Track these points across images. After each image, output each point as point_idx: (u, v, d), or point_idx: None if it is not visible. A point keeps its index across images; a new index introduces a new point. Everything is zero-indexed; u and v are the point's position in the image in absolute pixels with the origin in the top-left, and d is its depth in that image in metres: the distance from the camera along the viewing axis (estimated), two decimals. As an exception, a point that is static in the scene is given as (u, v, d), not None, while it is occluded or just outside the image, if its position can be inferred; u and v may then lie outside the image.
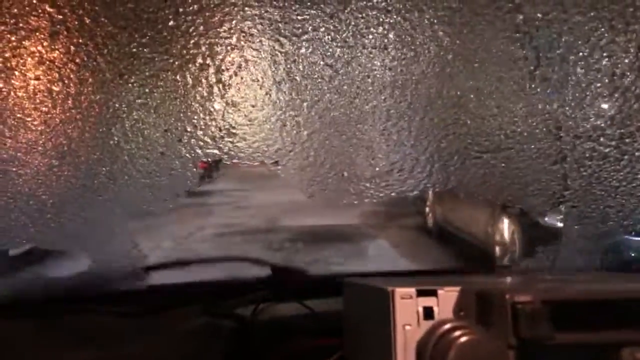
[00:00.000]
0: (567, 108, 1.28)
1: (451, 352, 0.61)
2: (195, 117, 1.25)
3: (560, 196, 1.34)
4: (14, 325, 1.22)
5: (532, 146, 1.31)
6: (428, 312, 0.70)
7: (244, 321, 1.13)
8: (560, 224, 1.40)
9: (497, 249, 4.56)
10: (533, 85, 1.24)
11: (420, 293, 0.71)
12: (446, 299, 0.71)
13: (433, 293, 0.71)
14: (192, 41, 1.18)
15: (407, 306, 0.71)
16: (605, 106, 1.28)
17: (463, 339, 0.62)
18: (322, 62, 1.23)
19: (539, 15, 1.18)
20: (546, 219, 1.46)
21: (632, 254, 1.83)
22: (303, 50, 1.22)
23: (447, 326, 0.65)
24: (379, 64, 1.23)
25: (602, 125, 1.29)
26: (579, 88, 1.25)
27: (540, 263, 1.46)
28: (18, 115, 1.20)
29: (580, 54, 1.21)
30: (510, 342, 0.63)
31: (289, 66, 1.22)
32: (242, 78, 1.22)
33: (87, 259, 1.35)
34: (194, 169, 1.29)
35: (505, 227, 4.41)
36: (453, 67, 1.24)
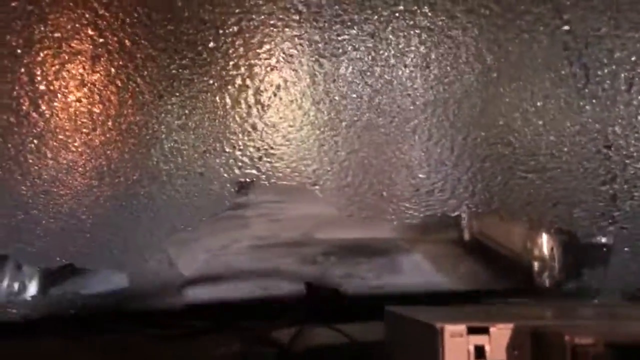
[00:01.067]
0: (617, 127, 1.23)
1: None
2: (234, 138, 1.24)
3: (609, 217, 1.28)
4: (49, 341, 1.23)
5: (580, 166, 1.26)
6: (479, 352, 0.67)
7: (282, 348, 1.11)
8: (608, 246, 1.35)
9: (536, 264, 4.44)
10: (581, 103, 1.20)
11: (471, 331, 0.67)
12: (499, 337, 0.67)
13: (485, 331, 0.67)
14: (231, 62, 1.17)
15: (457, 345, 0.67)
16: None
17: (520, 385, 0.58)
18: (362, 82, 1.21)
19: (589, 31, 1.14)
20: (594, 240, 1.41)
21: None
22: (342, 70, 1.20)
23: (503, 371, 0.61)
24: (420, 82, 1.20)
25: (655, 144, 1.23)
26: (630, 106, 1.20)
27: (587, 284, 1.40)
28: (60, 137, 1.21)
29: (633, 70, 1.16)
30: (570, 387, 0.59)
31: (328, 86, 1.21)
32: (280, 99, 1.21)
33: (124, 277, 1.35)
34: (232, 190, 1.28)
35: (545, 242, 4.29)
36: (498, 85, 1.20)
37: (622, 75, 1.18)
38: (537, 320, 0.75)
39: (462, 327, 0.67)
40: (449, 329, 0.67)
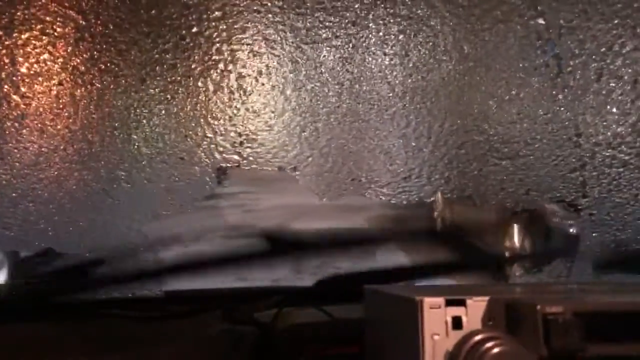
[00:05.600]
0: (587, 115, 1.28)
1: (484, 363, 0.61)
2: (216, 123, 1.25)
3: (578, 204, 1.33)
4: (33, 328, 1.22)
5: (552, 153, 1.31)
6: (457, 322, 0.70)
7: (265, 328, 1.13)
8: (577, 232, 1.39)
9: (507, 254, 4.53)
10: (554, 92, 1.24)
11: (449, 303, 0.70)
12: (475, 308, 0.70)
13: (462, 303, 0.70)
14: (214, 47, 1.18)
15: (435, 316, 0.70)
16: (625, 114, 1.28)
17: (496, 350, 0.62)
18: (342, 69, 1.23)
19: (561, 22, 1.18)
20: (564, 226, 1.46)
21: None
22: (324, 57, 1.22)
23: (479, 337, 0.64)
24: (399, 70, 1.23)
25: (623, 132, 1.29)
26: (600, 95, 1.25)
27: (556, 271, 1.45)
28: (40, 120, 1.21)
29: (602, 61, 1.21)
30: (541, 353, 0.62)
31: (309, 72, 1.23)
32: (262, 84, 1.23)
33: (104, 263, 1.35)
34: (213, 175, 1.30)
35: (515, 232, 4.39)
36: (474, 74, 1.24)
37: (592, 66, 1.23)
38: (511, 294, 0.79)
39: (440, 300, 0.70)
40: (428, 301, 0.70)
